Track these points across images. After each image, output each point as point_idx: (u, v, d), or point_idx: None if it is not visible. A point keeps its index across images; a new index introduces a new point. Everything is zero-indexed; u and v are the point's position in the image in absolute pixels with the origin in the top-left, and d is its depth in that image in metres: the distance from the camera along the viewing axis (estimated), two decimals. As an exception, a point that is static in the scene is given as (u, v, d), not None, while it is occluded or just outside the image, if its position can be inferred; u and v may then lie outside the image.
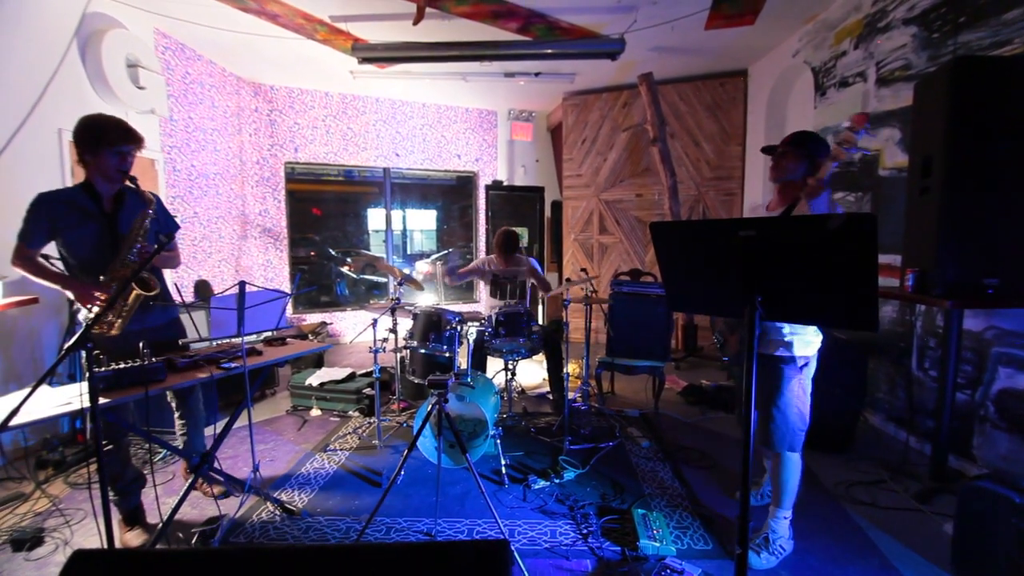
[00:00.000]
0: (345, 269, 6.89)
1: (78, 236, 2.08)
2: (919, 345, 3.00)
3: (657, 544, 2.04)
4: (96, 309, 1.97)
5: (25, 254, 2.04)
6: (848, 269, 1.05)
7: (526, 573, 1.86)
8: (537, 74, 5.36)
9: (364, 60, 4.57)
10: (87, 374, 1.50)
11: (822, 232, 1.06)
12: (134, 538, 2.17)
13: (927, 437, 2.83)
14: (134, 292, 2.03)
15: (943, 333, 2.56)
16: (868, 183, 3.40)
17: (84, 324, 1.42)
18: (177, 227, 2.38)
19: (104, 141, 2.03)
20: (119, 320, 2.06)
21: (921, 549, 2.07)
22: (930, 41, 2.93)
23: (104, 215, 2.11)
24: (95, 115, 2.10)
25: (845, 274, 1.06)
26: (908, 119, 3.00)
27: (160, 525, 1.99)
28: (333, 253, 6.89)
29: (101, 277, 2.03)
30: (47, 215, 2.04)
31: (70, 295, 2.11)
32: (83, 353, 1.46)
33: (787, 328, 1.91)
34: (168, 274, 2.44)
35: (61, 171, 3.24)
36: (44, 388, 1.78)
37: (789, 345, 1.92)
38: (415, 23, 4.00)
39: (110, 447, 2.12)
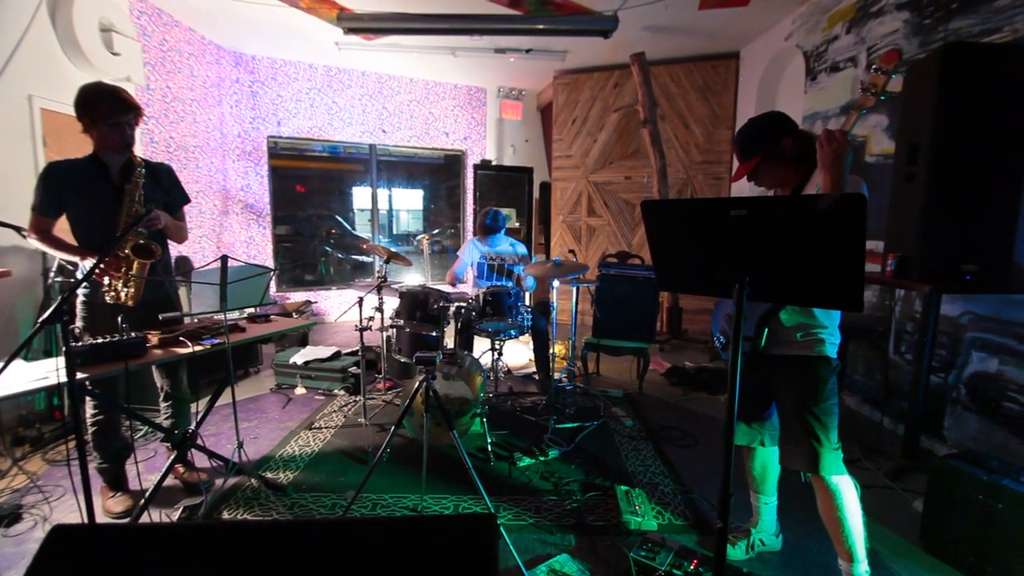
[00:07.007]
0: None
1: (85, 207, 2.04)
2: (897, 329, 3.07)
3: (639, 519, 2.09)
4: (82, 276, 1.95)
5: (39, 224, 2.02)
6: (837, 248, 1.05)
7: (511, 547, 1.88)
8: (528, 51, 5.26)
9: (350, 31, 4.43)
10: (63, 348, 1.47)
11: (813, 212, 1.07)
12: (116, 503, 2.19)
13: (901, 418, 2.92)
14: (136, 261, 1.99)
15: (921, 318, 2.62)
16: (855, 169, 3.41)
17: (60, 297, 1.37)
18: (187, 199, 2.36)
19: (97, 114, 1.96)
20: (128, 290, 2.03)
21: (892, 524, 2.14)
22: (922, 27, 2.93)
23: (112, 186, 2.05)
24: (90, 85, 2.01)
25: (834, 253, 1.06)
26: (897, 106, 3.01)
27: (143, 498, 1.97)
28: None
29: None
30: (55, 184, 2.00)
31: (82, 263, 2.09)
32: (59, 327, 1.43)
33: (824, 322, 1.65)
34: None
35: (32, 139, 3.11)
36: (18, 362, 1.73)
37: (824, 343, 1.65)
38: (403, -7, 3.89)
39: (101, 417, 2.15)
